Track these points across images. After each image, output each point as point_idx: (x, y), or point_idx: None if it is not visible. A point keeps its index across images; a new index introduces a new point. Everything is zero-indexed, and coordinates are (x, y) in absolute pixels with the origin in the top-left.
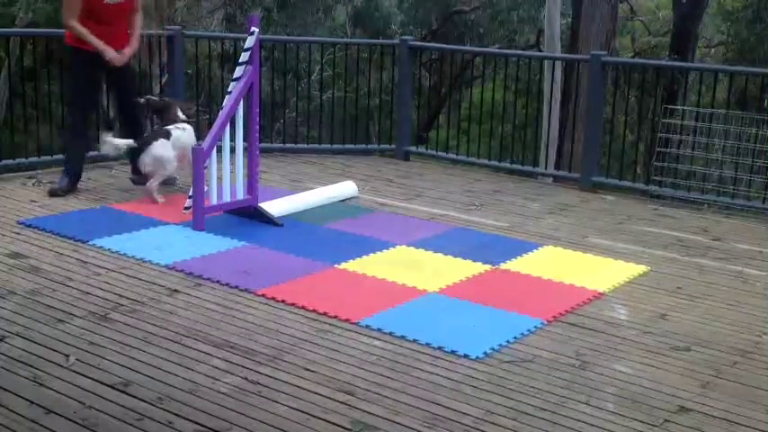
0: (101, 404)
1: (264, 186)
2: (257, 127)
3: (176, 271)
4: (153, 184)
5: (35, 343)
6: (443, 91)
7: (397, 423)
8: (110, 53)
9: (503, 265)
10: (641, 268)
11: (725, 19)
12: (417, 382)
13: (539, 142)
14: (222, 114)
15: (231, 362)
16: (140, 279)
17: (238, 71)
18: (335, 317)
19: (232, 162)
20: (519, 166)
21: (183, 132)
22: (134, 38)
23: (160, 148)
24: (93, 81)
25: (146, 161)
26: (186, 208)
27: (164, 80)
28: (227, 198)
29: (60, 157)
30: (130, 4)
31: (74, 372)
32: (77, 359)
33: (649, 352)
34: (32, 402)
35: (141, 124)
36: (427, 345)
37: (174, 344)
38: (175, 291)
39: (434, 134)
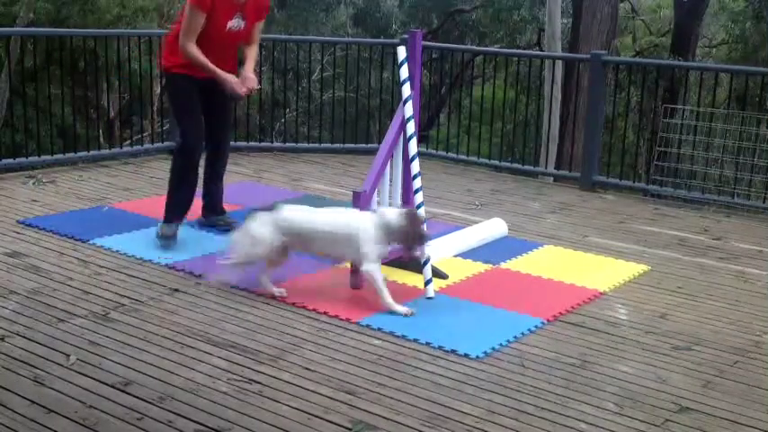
0: (101, 404)
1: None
2: (410, 167)
3: (177, 270)
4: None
5: (36, 343)
6: (444, 90)
7: (398, 422)
8: (230, 83)
9: (503, 265)
10: (642, 268)
11: (730, 18)
12: (417, 381)
13: (539, 141)
14: (381, 152)
15: (232, 361)
16: (141, 278)
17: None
18: (336, 316)
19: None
20: (519, 166)
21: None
22: (250, 71)
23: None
24: (197, 107)
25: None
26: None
27: (164, 80)
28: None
29: (60, 156)
30: (248, 34)
31: (74, 371)
32: (78, 359)
33: (650, 351)
34: (33, 402)
35: (226, 157)
36: (427, 344)
37: (174, 343)
38: (176, 290)
39: (435, 133)
